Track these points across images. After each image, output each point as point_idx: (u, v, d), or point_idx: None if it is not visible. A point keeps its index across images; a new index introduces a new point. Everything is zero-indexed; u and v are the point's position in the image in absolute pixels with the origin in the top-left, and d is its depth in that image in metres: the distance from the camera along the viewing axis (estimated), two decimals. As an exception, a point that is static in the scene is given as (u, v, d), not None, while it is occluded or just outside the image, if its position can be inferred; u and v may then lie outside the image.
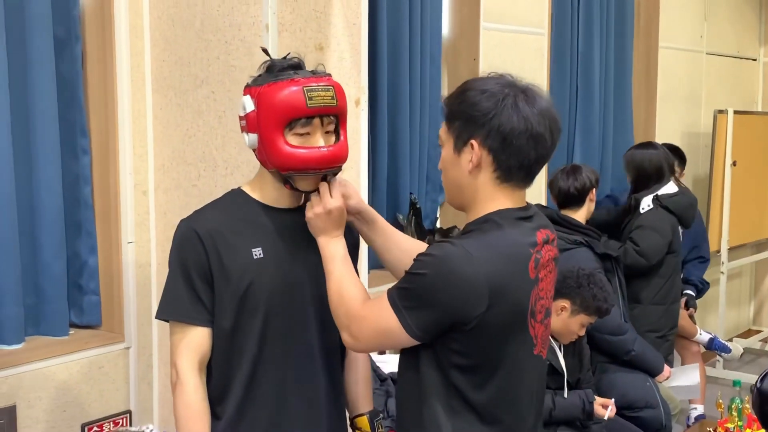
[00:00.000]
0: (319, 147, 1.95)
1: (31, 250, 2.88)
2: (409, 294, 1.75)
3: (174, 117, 2.93)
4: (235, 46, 2.72)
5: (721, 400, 3.43)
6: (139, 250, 3.03)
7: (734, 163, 5.78)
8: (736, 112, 5.81)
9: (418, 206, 3.96)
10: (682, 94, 5.87)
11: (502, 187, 1.82)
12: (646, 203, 4.29)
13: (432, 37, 4.07)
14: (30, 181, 2.86)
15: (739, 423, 3.30)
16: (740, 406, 3.32)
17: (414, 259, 1.79)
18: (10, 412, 2.69)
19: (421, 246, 2.06)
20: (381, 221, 2.15)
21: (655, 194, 4.26)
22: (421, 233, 3.89)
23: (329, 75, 2.01)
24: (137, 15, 2.95)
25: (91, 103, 2.99)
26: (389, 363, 3.27)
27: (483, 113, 1.77)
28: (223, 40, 2.75)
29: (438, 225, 4.26)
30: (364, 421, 2.27)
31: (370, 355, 2.55)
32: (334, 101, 1.97)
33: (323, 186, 1.99)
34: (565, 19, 4.81)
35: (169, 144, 2.95)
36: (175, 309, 2.03)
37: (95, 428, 2.91)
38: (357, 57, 2.73)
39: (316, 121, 1.95)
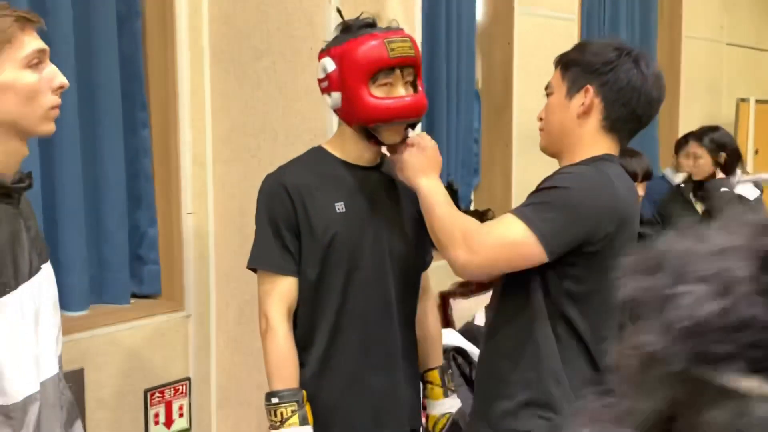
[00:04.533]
0: (403, 96, 2.02)
1: (95, 221, 2.95)
2: (546, 207, 1.80)
3: (233, 89, 3.00)
4: (296, 17, 2.80)
5: None
6: (198, 222, 3.10)
7: (756, 151, 5.86)
8: (757, 101, 5.90)
9: (455, 188, 4.03)
10: (704, 84, 5.96)
11: (606, 136, 1.92)
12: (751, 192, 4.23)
13: (467, 23, 4.15)
14: (94, 154, 2.92)
15: None
16: None
17: (545, 180, 1.85)
18: (78, 376, 2.75)
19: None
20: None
21: (754, 181, 4.20)
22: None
23: (402, 29, 2.08)
24: (196, -10, 3.03)
25: (151, 77, 3.06)
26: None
27: (605, 62, 1.89)
28: (283, 11, 2.83)
29: (472, 207, 4.34)
30: (435, 375, 2.34)
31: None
32: (413, 51, 2.05)
33: (411, 132, 2.06)
34: (593, 6, 4.90)
35: (228, 116, 3.02)
36: (265, 259, 2.11)
37: (157, 394, 2.97)
38: (412, 28, 2.80)
39: (397, 71, 2.03)
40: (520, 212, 1.81)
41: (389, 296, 2.15)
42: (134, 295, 3.09)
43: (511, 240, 1.80)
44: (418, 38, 3.71)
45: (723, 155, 4.07)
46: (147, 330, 2.96)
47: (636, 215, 1.94)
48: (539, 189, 1.86)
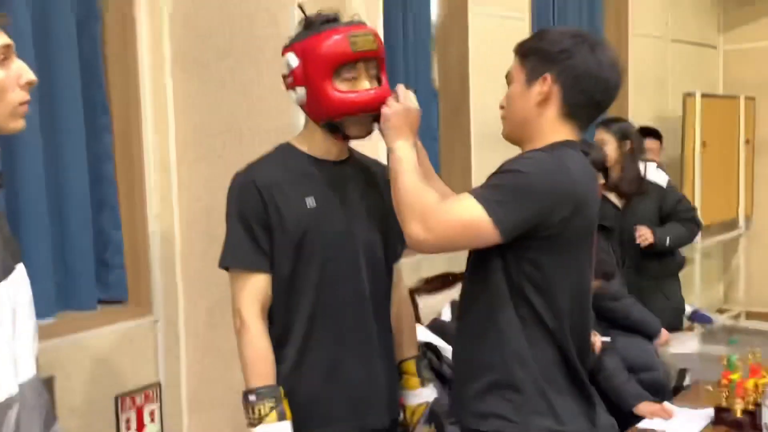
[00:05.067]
0: (368, 90, 2.04)
1: (59, 227, 2.92)
2: (502, 190, 1.82)
3: (196, 90, 3.00)
4: (260, 16, 2.80)
5: (723, 352, 3.56)
6: (163, 225, 3.08)
7: (704, 144, 6.01)
8: (703, 95, 6.05)
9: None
10: (651, 80, 6.09)
11: (565, 123, 1.95)
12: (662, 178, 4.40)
13: (423, 23, 4.20)
14: (57, 160, 2.90)
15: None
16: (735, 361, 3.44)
17: (504, 164, 1.88)
18: (49, 384, 2.71)
19: (453, 193, 2.16)
20: (428, 161, 2.24)
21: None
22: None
23: (365, 23, 2.10)
24: (156, -7, 3.02)
25: (112, 81, 3.04)
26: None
27: (562, 50, 1.91)
28: (246, 12, 2.83)
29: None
30: (411, 365, 2.35)
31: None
32: (375, 45, 2.06)
33: (400, 87, 2.04)
34: (542, 6, 4.97)
35: (191, 118, 3.02)
36: (237, 257, 2.09)
37: (127, 399, 2.95)
38: (375, 26, 2.83)
39: (361, 65, 2.04)
40: (478, 193, 1.84)
41: (363, 289, 2.16)
42: (101, 301, 3.06)
43: (467, 220, 1.82)
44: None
45: (628, 143, 4.19)
46: (115, 336, 2.94)
47: (594, 201, 1.97)
48: (498, 171, 1.89)
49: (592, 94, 1.93)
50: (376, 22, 2.79)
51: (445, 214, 1.84)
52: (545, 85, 1.92)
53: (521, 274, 1.87)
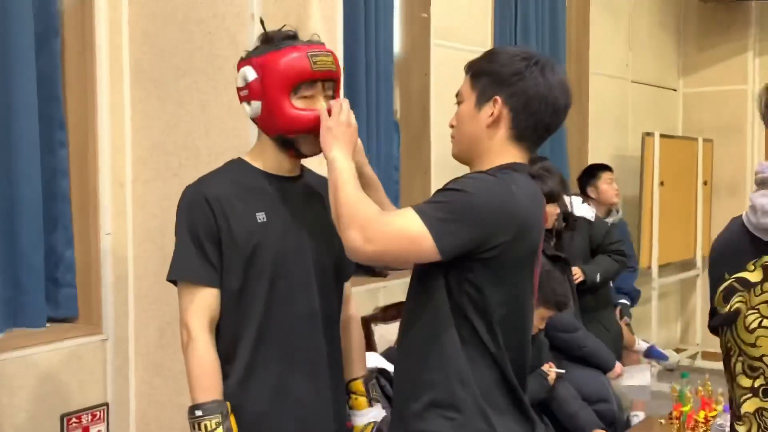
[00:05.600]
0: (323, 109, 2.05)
1: (10, 242, 2.88)
2: (445, 207, 1.81)
3: (154, 108, 2.99)
4: (219, 36, 2.82)
5: (675, 384, 3.58)
6: (117, 243, 3.05)
7: (662, 183, 6.09)
8: (662, 136, 6.15)
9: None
10: (611, 119, 6.19)
11: (514, 145, 1.94)
12: (589, 212, 4.51)
13: (385, 54, 4.23)
14: (9, 174, 2.86)
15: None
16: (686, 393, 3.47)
17: (450, 182, 1.87)
18: (-8, 400, 2.67)
19: (393, 207, 2.17)
20: (380, 187, 2.24)
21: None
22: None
23: (324, 43, 2.12)
24: (116, 10, 3.02)
25: (69, 97, 3.03)
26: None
27: (512, 74, 1.90)
28: (206, 31, 2.84)
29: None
30: (359, 385, 2.34)
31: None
32: (334, 66, 2.08)
33: (345, 102, 2.04)
34: (504, 41, 5.05)
35: (148, 135, 3.01)
36: (185, 270, 2.07)
37: (74, 419, 2.89)
38: (334, 47, 2.85)
39: (319, 84, 2.05)
40: (421, 208, 1.83)
41: (314, 306, 2.14)
42: (51, 319, 3.01)
43: (407, 234, 1.81)
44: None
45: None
46: (63, 353, 2.89)
47: (539, 227, 1.95)
48: (443, 189, 1.88)
49: (541, 117, 1.92)
50: (336, 49, 2.81)
51: (385, 226, 1.83)
52: (495, 107, 1.91)
53: (462, 295, 1.86)
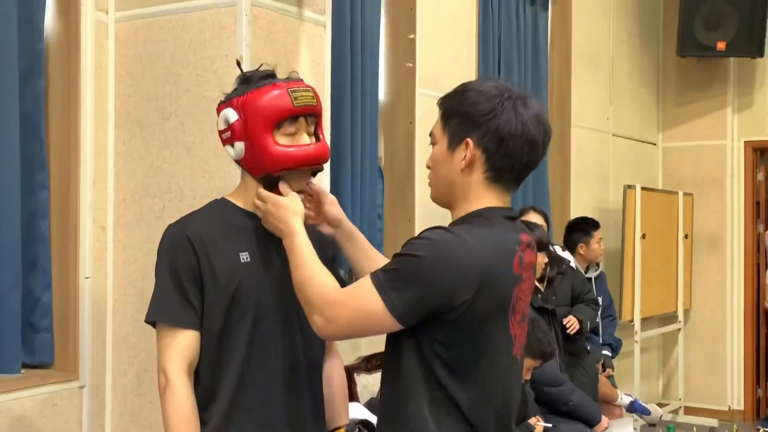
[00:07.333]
0: (308, 144, 2.04)
1: (-15, 285, 2.80)
2: (398, 275, 1.74)
3: (138, 151, 2.95)
4: (206, 77, 2.79)
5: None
6: (96, 287, 2.98)
7: (644, 236, 6.10)
8: (643, 188, 6.17)
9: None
10: (593, 171, 6.21)
11: (491, 187, 1.86)
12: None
13: (371, 102, 4.23)
14: (-13, 214, 2.80)
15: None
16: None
17: (406, 243, 1.80)
18: (-38, 449, 2.57)
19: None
20: (361, 237, 2.20)
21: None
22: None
23: (302, 80, 2.10)
24: (102, 51, 2.99)
25: (52, 137, 2.98)
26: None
27: (482, 114, 1.81)
28: (194, 73, 2.82)
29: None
30: (341, 434, 2.28)
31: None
32: (315, 100, 2.07)
33: (261, 193, 2.05)
34: (489, 92, 5.06)
35: (132, 178, 2.96)
36: (164, 311, 2.02)
37: (47, 470, 2.79)
38: (322, 94, 2.84)
39: (301, 120, 2.04)
40: (376, 277, 1.77)
41: (296, 349, 2.09)
42: (26, 365, 2.92)
43: (365, 310, 1.77)
44: (326, 114, 3.75)
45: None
46: (38, 400, 2.80)
47: (507, 275, 1.82)
48: (400, 251, 1.80)
49: (518, 156, 1.83)
50: (323, 95, 2.79)
51: (342, 306, 1.80)
52: (468, 150, 1.83)
53: (433, 356, 1.78)
